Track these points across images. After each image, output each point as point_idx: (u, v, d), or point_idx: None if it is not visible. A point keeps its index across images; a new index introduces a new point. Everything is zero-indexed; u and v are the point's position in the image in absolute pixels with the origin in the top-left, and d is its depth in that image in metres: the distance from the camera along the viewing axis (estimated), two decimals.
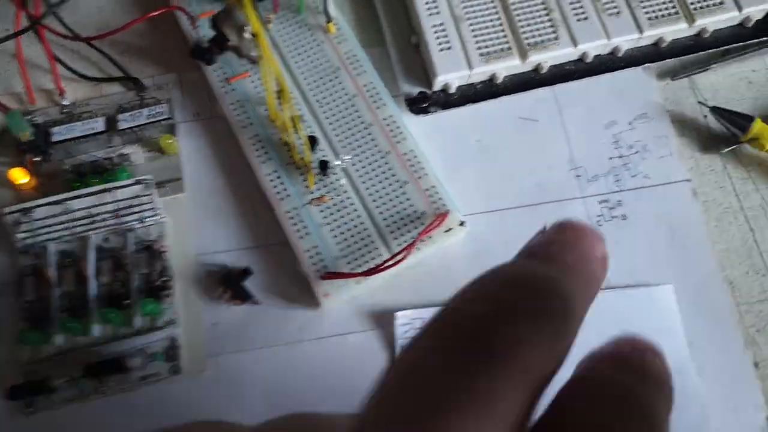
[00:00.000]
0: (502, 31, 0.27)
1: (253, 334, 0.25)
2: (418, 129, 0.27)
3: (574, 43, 0.27)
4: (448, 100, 0.27)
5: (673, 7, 0.28)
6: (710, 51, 0.28)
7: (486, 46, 0.27)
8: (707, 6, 0.28)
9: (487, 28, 0.27)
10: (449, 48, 0.27)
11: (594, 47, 0.27)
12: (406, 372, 0.09)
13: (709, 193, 0.27)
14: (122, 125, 0.27)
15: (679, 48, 0.28)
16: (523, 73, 0.28)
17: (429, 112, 0.27)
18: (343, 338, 0.24)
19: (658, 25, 0.27)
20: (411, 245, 0.24)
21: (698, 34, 0.28)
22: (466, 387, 0.08)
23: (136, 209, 0.25)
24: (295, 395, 0.24)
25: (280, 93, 0.24)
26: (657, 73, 0.29)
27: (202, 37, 0.26)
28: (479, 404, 0.08)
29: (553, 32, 0.27)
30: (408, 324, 0.24)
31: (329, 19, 0.27)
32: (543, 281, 0.10)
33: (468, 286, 0.10)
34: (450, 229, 0.25)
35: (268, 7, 0.28)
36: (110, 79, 0.28)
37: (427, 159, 0.26)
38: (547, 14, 0.27)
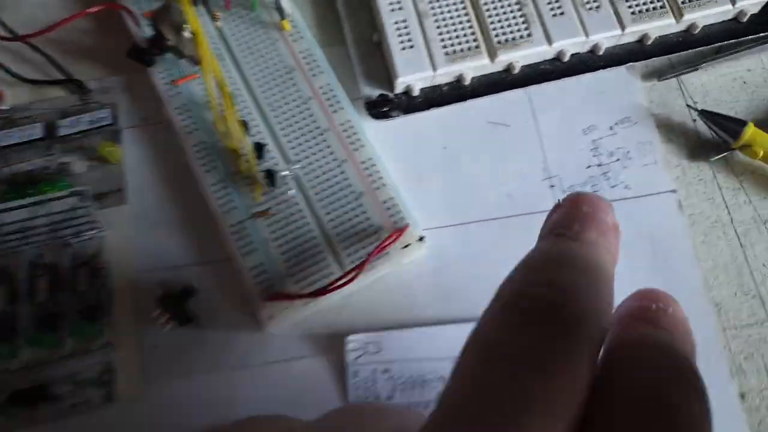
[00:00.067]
0: (471, 27, 0.25)
1: (194, 359, 0.23)
2: (379, 135, 0.25)
3: (549, 40, 0.25)
4: (411, 104, 0.25)
5: (659, 0, 0.25)
6: (701, 49, 0.26)
7: (452, 45, 0.25)
8: None
9: (454, 24, 0.25)
10: (412, 47, 0.25)
11: (571, 45, 0.25)
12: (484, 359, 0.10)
13: (696, 205, 0.25)
14: (62, 132, 0.25)
15: (666, 45, 0.26)
16: (493, 73, 0.25)
17: (390, 116, 0.25)
18: (289, 364, 0.23)
19: (642, 21, 0.25)
20: (363, 264, 0.22)
21: (687, 30, 0.26)
22: (550, 359, 0.10)
23: (73, 223, 0.24)
24: None
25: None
26: (642, 73, 0.27)
27: (141, 37, 0.24)
28: (569, 366, 0.10)
29: (526, 29, 0.25)
30: (360, 349, 0.23)
31: (283, 16, 0.25)
32: (584, 258, 0.12)
33: (521, 272, 0.12)
34: (408, 245, 0.23)
35: (219, 4, 0.26)
36: (52, 82, 0.26)
37: (386, 168, 0.24)
38: (519, 9, 0.25)
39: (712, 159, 0.25)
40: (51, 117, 0.26)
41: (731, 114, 0.26)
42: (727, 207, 0.25)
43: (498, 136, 0.26)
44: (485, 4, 0.25)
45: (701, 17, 0.25)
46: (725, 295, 0.24)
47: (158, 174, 0.25)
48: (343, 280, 0.22)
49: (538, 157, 0.26)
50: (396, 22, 0.25)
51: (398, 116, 0.25)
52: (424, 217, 0.24)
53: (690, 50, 0.26)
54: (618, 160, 0.26)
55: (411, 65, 0.24)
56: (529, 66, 0.25)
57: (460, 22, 0.25)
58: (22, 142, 0.25)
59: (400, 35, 0.25)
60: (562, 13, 0.25)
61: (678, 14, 0.25)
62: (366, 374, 0.22)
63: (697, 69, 0.26)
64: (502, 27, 0.25)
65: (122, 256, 0.24)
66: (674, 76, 0.27)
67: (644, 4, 0.25)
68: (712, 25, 0.26)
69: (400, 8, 0.25)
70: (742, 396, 0.23)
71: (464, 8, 0.25)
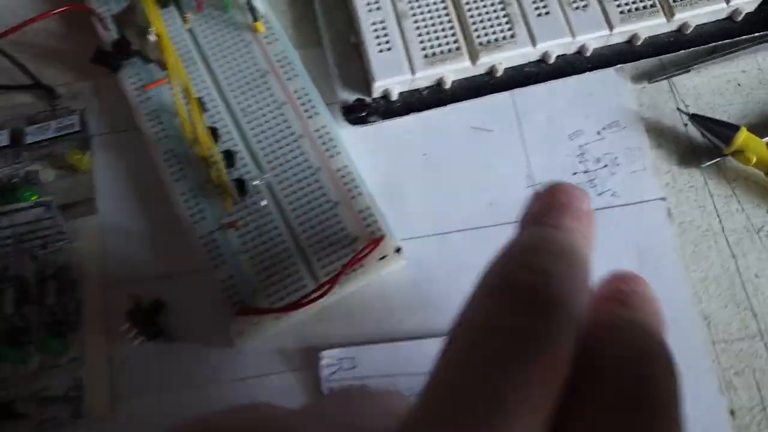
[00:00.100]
0: (452, 28, 0.24)
1: (164, 374, 0.22)
2: (356, 141, 0.25)
3: (533, 41, 0.24)
4: (389, 109, 0.24)
5: None
6: (693, 49, 0.25)
7: (432, 47, 0.24)
8: None
9: (434, 25, 0.24)
10: (389, 49, 0.24)
11: (557, 46, 0.24)
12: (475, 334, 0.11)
13: (686, 213, 0.24)
14: (29, 139, 0.24)
15: (656, 46, 0.25)
16: (475, 76, 0.24)
17: (368, 122, 0.24)
18: (261, 380, 0.22)
19: (631, 21, 0.24)
20: (336, 277, 0.21)
21: (679, 30, 0.25)
22: (539, 331, 0.10)
23: (39, 234, 0.23)
24: None
25: (197, 100, 0.22)
26: (632, 75, 0.26)
27: (108, 40, 0.23)
28: (549, 340, 0.10)
29: (510, 29, 0.24)
30: (335, 365, 0.22)
31: (256, 18, 0.24)
32: (562, 244, 0.12)
33: (502, 259, 0.12)
34: (384, 257, 0.22)
35: (192, 5, 0.25)
36: (19, 87, 0.25)
37: (362, 176, 0.23)
38: (503, 8, 0.24)
39: (704, 165, 0.24)
40: (18, 124, 0.25)
41: (725, 118, 0.25)
42: (718, 215, 0.24)
43: (480, 141, 0.25)
44: (467, 3, 0.24)
45: (693, 16, 0.24)
46: (715, 308, 0.23)
47: (129, 183, 0.25)
48: (316, 294, 0.21)
49: (522, 163, 0.25)
50: (373, 23, 0.24)
51: (376, 121, 0.24)
52: (402, 226, 0.24)
53: (682, 51, 0.25)
54: (605, 166, 0.25)
55: (388, 68, 0.23)
56: (513, 68, 0.24)
57: (441, 23, 0.24)
58: None
59: (377, 37, 0.24)
60: (547, 13, 0.24)
61: (669, 13, 0.24)
62: None
63: (689, 70, 0.25)
64: (484, 28, 0.24)
65: (92, 268, 0.23)
66: (665, 78, 0.26)
67: (634, 3, 0.24)
68: (705, 24, 0.25)
69: (378, 8, 0.24)
70: (732, 413, 0.22)
71: (445, 8, 0.24)
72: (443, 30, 0.24)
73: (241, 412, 0.15)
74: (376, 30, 0.24)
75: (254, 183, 0.22)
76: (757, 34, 0.25)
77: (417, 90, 0.24)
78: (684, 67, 0.25)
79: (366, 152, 0.24)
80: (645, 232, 0.24)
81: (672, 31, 0.25)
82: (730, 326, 0.23)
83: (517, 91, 0.25)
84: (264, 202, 0.23)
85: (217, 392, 0.22)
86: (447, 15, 0.24)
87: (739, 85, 0.26)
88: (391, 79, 0.23)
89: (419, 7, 0.24)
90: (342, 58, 0.25)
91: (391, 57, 0.23)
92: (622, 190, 0.24)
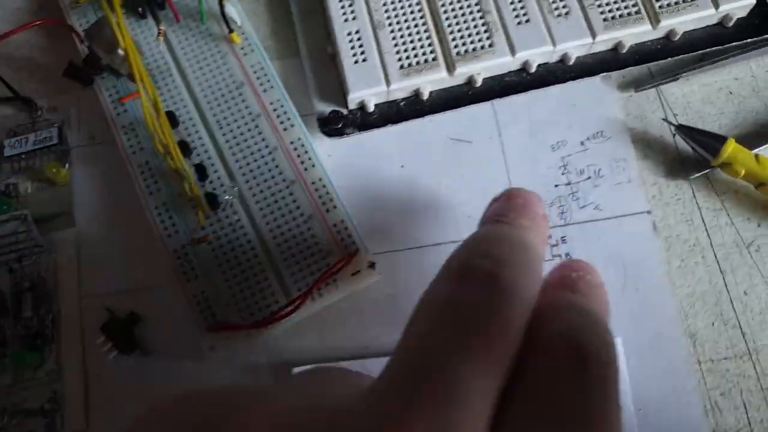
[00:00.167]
0: (428, 38, 0.23)
1: (140, 388, 0.22)
2: (332, 153, 0.24)
3: (512, 51, 0.23)
4: (366, 120, 0.24)
5: (634, 5, 0.23)
6: (683, 57, 0.24)
7: (408, 57, 0.23)
8: (675, 3, 0.23)
9: (411, 35, 0.23)
10: (365, 60, 0.23)
11: (537, 55, 0.23)
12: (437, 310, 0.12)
13: (673, 227, 0.23)
14: (8, 152, 0.24)
15: (642, 54, 0.24)
16: (453, 87, 0.24)
17: (344, 134, 0.24)
18: None
19: (614, 28, 0.23)
20: (307, 292, 0.21)
21: (666, 37, 0.24)
22: (492, 311, 0.12)
23: (15, 247, 0.23)
24: None
25: (169, 114, 0.21)
26: (619, 83, 0.25)
27: (85, 54, 0.23)
28: (501, 323, 0.12)
29: (488, 38, 0.23)
30: None
31: (230, 28, 0.24)
32: (518, 239, 0.14)
33: (465, 248, 0.14)
34: (358, 272, 0.22)
35: (170, 16, 0.25)
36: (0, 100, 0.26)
37: (337, 189, 0.23)
38: (482, 17, 0.23)
39: (692, 177, 0.24)
40: None
41: (716, 127, 0.24)
42: (706, 229, 0.23)
43: (460, 153, 0.24)
44: (445, 12, 0.24)
45: (680, 23, 0.23)
46: (702, 326, 0.22)
47: (107, 196, 0.25)
48: (287, 310, 0.21)
49: (502, 175, 0.24)
50: (349, 33, 0.23)
51: (353, 133, 0.24)
52: (378, 240, 0.23)
53: (669, 58, 0.24)
54: (589, 178, 0.24)
55: (363, 80, 0.23)
56: (493, 78, 0.24)
57: (417, 32, 0.23)
58: None
59: (353, 47, 0.23)
60: (527, 21, 0.23)
61: (654, 20, 0.23)
62: None
63: (678, 78, 0.24)
64: (462, 37, 0.23)
65: (69, 281, 0.24)
66: (653, 87, 0.25)
67: (618, 9, 0.23)
68: (694, 30, 0.24)
69: (354, 18, 0.24)
70: None
71: (422, 17, 0.24)
72: (420, 40, 0.23)
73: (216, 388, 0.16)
74: (351, 40, 0.23)
75: (226, 197, 0.22)
76: (749, 40, 0.24)
77: (394, 101, 0.24)
78: (672, 74, 0.24)
79: (342, 165, 0.24)
80: (629, 247, 0.23)
81: (659, 38, 0.24)
82: (717, 345, 0.22)
83: (498, 102, 0.24)
84: (238, 216, 0.22)
85: None
86: (424, 24, 0.24)
87: (730, 93, 0.25)
88: (366, 91, 0.23)
89: (396, 17, 0.24)
90: (318, 68, 0.25)
91: (367, 68, 0.23)
92: (606, 203, 0.24)
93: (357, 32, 0.23)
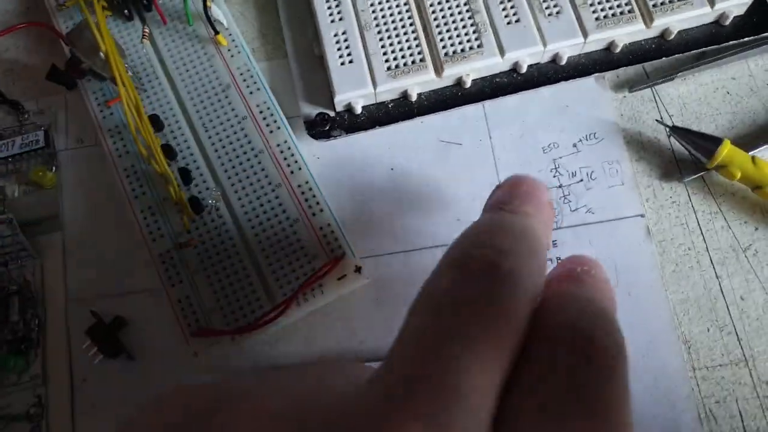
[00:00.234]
0: (416, 39, 0.23)
1: (125, 392, 0.22)
2: (319, 156, 0.24)
3: (502, 51, 0.23)
4: (353, 123, 0.23)
5: (627, 4, 0.23)
6: (678, 56, 0.23)
7: (395, 59, 0.23)
8: (669, 2, 0.22)
9: (398, 36, 0.23)
10: (351, 61, 0.23)
11: (527, 55, 0.23)
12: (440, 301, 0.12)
13: (667, 231, 0.23)
14: None
15: (636, 53, 0.23)
16: (442, 88, 0.23)
17: (332, 136, 0.23)
18: None
19: (607, 27, 0.23)
20: (292, 297, 0.21)
21: (661, 36, 0.23)
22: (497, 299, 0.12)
23: (1, 251, 0.23)
24: None
25: (153, 117, 0.21)
26: (613, 83, 0.25)
27: (69, 57, 0.23)
28: (506, 313, 0.11)
29: (477, 39, 0.23)
30: None
31: (216, 30, 0.24)
32: (521, 227, 0.13)
33: (467, 237, 0.13)
34: (344, 276, 0.22)
35: (157, 18, 0.25)
36: None
37: (324, 193, 0.23)
38: (471, 17, 0.23)
39: (687, 179, 0.23)
40: None
41: (712, 128, 0.24)
42: (702, 233, 0.23)
43: (450, 155, 0.24)
44: (434, 12, 0.23)
45: (675, 22, 0.23)
46: (696, 332, 0.22)
47: (94, 199, 0.24)
48: (271, 315, 0.21)
49: (493, 177, 0.24)
50: (336, 35, 0.23)
51: (340, 136, 0.23)
52: (366, 244, 0.23)
53: (664, 58, 0.23)
54: (581, 181, 0.23)
55: (350, 82, 0.23)
56: (483, 79, 0.23)
57: (405, 33, 0.23)
58: None
59: (339, 49, 0.23)
60: (517, 21, 0.23)
61: (648, 19, 0.23)
62: None
63: (673, 78, 0.24)
64: (450, 38, 0.23)
65: (55, 285, 0.23)
66: (648, 87, 0.24)
67: (610, 8, 0.23)
68: (689, 29, 0.23)
69: (340, 19, 0.23)
70: None
71: (410, 17, 0.23)
72: (407, 41, 0.23)
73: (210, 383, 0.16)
74: (338, 42, 0.23)
75: (210, 201, 0.22)
76: (747, 38, 0.23)
77: (382, 103, 0.23)
78: (668, 74, 0.24)
79: (330, 167, 0.24)
80: (622, 251, 0.22)
81: (653, 38, 0.23)
82: (712, 351, 0.21)
83: (489, 103, 0.24)
84: (223, 220, 0.22)
85: None
86: (412, 25, 0.23)
87: (727, 93, 0.24)
88: (353, 93, 0.23)
89: (383, 17, 0.23)
90: (305, 70, 0.24)
91: (353, 70, 0.23)
92: (599, 206, 0.23)
93: (344, 33, 0.23)
